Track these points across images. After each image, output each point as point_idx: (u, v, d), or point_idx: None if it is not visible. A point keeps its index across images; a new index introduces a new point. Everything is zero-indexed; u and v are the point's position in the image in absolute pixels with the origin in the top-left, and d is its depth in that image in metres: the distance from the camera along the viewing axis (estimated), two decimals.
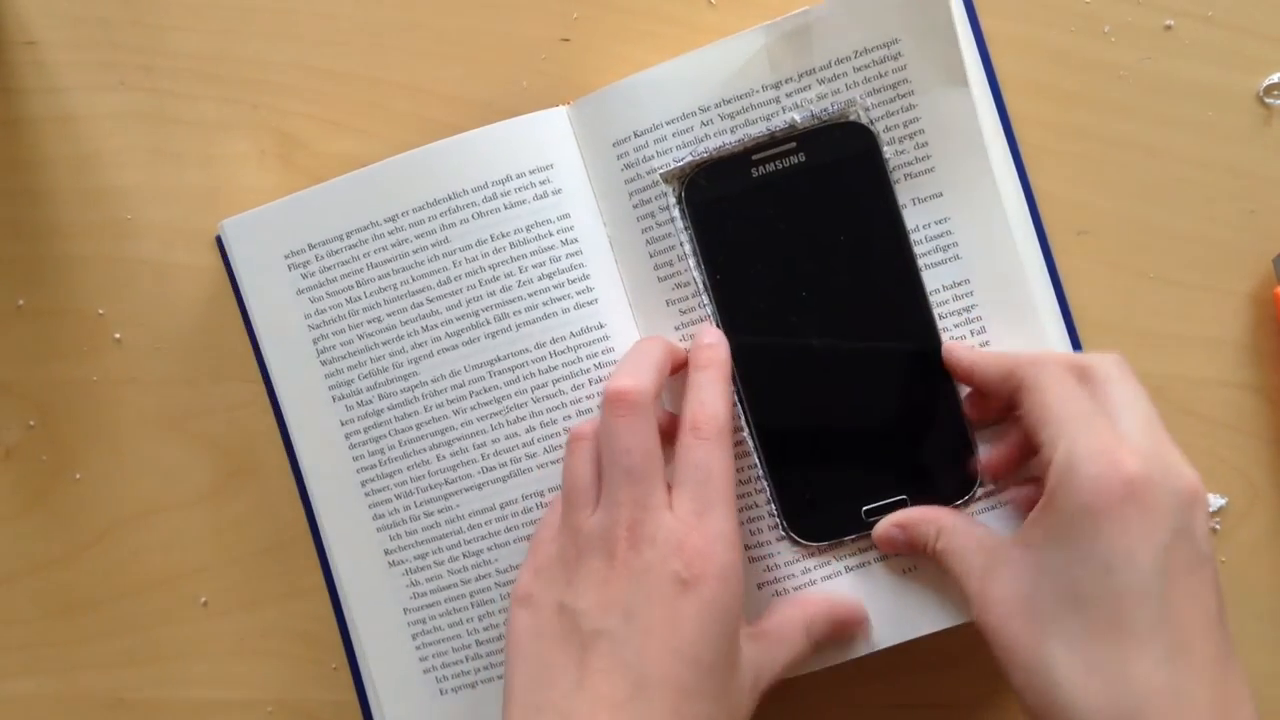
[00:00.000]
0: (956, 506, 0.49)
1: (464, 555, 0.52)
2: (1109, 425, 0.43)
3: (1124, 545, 0.41)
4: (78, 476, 0.57)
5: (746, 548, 0.51)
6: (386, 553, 0.52)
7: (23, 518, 0.57)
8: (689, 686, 0.43)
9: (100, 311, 0.57)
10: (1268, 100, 0.53)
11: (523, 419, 0.51)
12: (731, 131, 0.50)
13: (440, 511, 0.52)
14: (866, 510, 0.50)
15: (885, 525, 0.49)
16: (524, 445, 0.51)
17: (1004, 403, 0.47)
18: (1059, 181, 0.53)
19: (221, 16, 0.56)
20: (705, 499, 0.45)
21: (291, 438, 0.53)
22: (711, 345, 0.49)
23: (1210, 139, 0.54)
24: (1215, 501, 0.53)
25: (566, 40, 0.55)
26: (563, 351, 0.51)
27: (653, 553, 0.44)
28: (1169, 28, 0.53)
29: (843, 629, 0.49)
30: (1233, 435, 0.53)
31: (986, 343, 0.49)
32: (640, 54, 0.54)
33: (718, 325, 0.50)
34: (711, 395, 0.47)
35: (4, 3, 0.56)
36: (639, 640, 0.43)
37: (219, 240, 0.54)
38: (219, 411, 0.57)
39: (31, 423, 0.57)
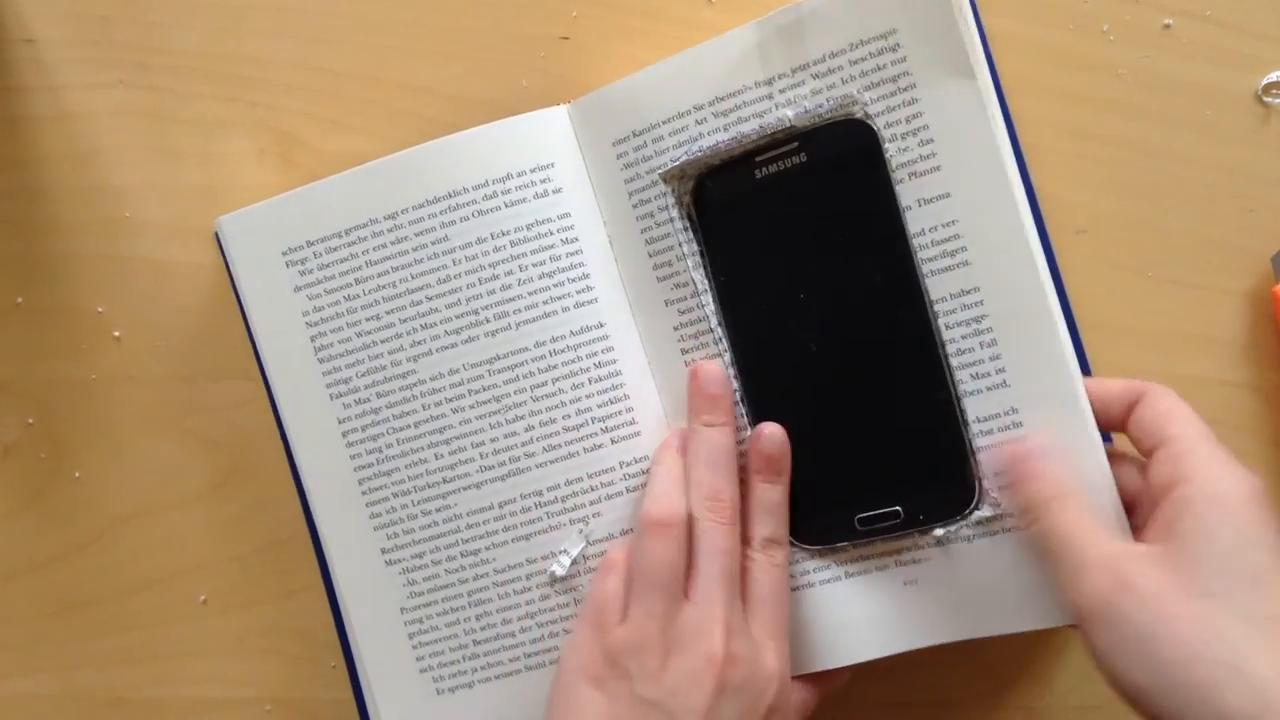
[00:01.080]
0: (957, 520, 0.47)
1: (461, 554, 0.51)
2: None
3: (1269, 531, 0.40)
4: (76, 475, 0.57)
5: None
6: (384, 551, 0.52)
7: (21, 516, 0.57)
8: None
9: (99, 309, 0.56)
10: (1266, 99, 0.53)
11: (522, 418, 0.50)
12: (724, 130, 0.49)
13: (438, 510, 0.51)
14: (860, 519, 0.49)
15: (1020, 447, 0.46)
16: (523, 444, 0.50)
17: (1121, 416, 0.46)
18: (1058, 181, 0.53)
19: (220, 15, 0.55)
20: (781, 625, 0.47)
21: (288, 436, 0.52)
22: (777, 452, 0.49)
23: (1209, 138, 0.53)
24: None
25: (566, 39, 0.55)
26: (562, 350, 0.50)
27: (749, 672, 0.45)
28: (1168, 27, 0.53)
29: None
30: (1232, 434, 0.53)
31: (997, 355, 0.47)
32: (639, 52, 0.54)
33: (720, 324, 0.49)
34: (780, 515, 0.48)
35: (3, 1, 0.56)
36: None
37: (218, 237, 0.53)
38: (218, 410, 0.56)
39: (30, 421, 0.57)
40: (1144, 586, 0.40)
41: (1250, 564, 0.40)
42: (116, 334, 0.56)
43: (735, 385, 0.50)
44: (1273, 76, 0.53)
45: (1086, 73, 0.53)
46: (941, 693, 0.54)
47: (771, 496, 0.48)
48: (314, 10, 0.55)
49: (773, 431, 0.49)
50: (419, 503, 0.51)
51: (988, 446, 0.47)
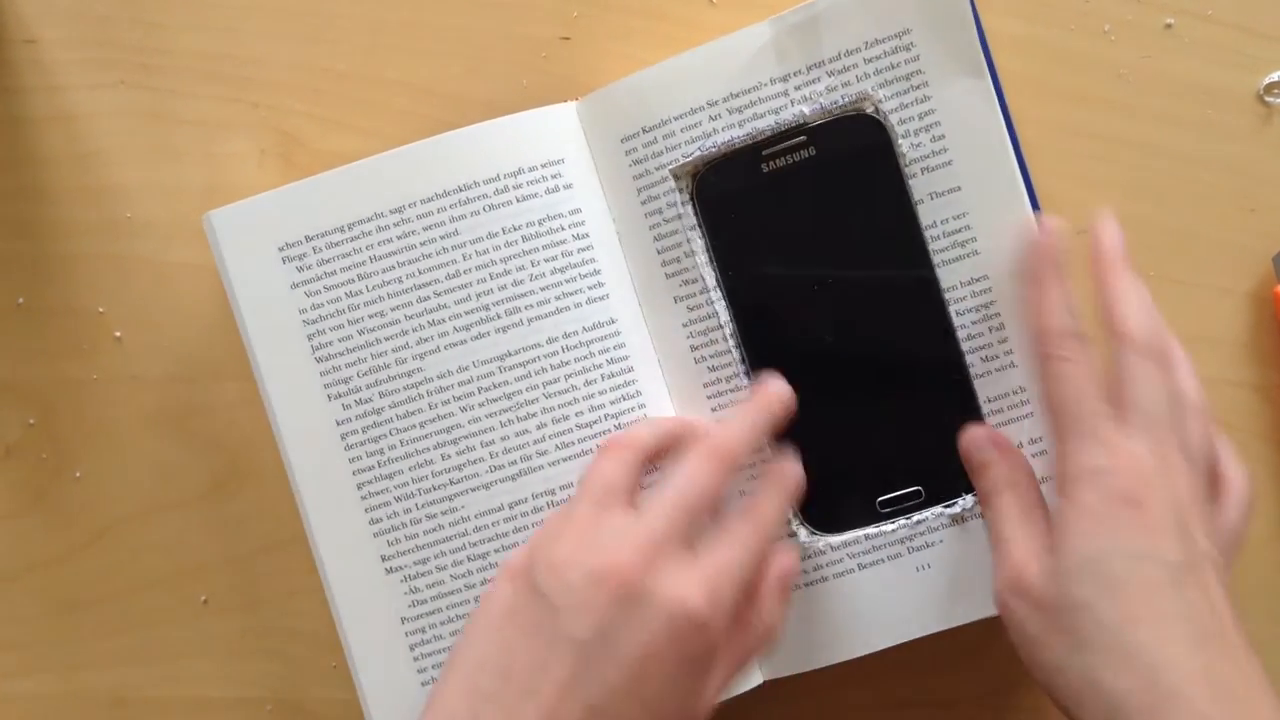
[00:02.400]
0: (972, 496, 0.48)
1: (469, 559, 0.50)
2: (1115, 433, 0.43)
3: (1148, 541, 0.42)
4: (78, 475, 0.56)
5: None
6: (384, 559, 0.50)
7: (22, 516, 0.56)
8: None
9: (100, 310, 0.56)
10: (1268, 99, 0.53)
11: (534, 415, 0.49)
12: (739, 125, 0.49)
13: (444, 514, 0.50)
14: (880, 502, 0.49)
15: (984, 430, 0.48)
16: (535, 442, 0.49)
17: None
18: (1059, 181, 0.53)
19: (222, 15, 0.54)
20: (730, 569, 0.44)
21: (282, 440, 0.51)
22: (787, 469, 0.48)
23: (1210, 138, 0.53)
24: None
25: (566, 39, 0.55)
26: (575, 346, 0.49)
27: (659, 594, 0.42)
28: (1169, 26, 0.53)
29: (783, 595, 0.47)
30: (1232, 434, 0.53)
31: (1005, 339, 0.48)
32: (640, 52, 0.54)
33: (730, 320, 0.49)
34: (775, 506, 0.47)
35: (3, 1, 0.55)
36: (610, 670, 0.42)
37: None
38: (219, 410, 0.56)
39: (31, 421, 0.56)
40: (1033, 592, 0.43)
41: (1105, 572, 0.42)
42: (118, 334, 0.56)
43: (748, 381, 0.49)
44: (1274, 76, 0.52)
45: (1087, 72, 0.53)
46: (941, 693, 0.54)
47: (773, 495, 0.48)
48: (315, 11, 0.55)
49: (791, 468, 0.48)
50: (423, 506, 0.50)
51: (1000, 425, 0.49)
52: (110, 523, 0.56)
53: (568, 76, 0.54)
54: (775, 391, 0.48)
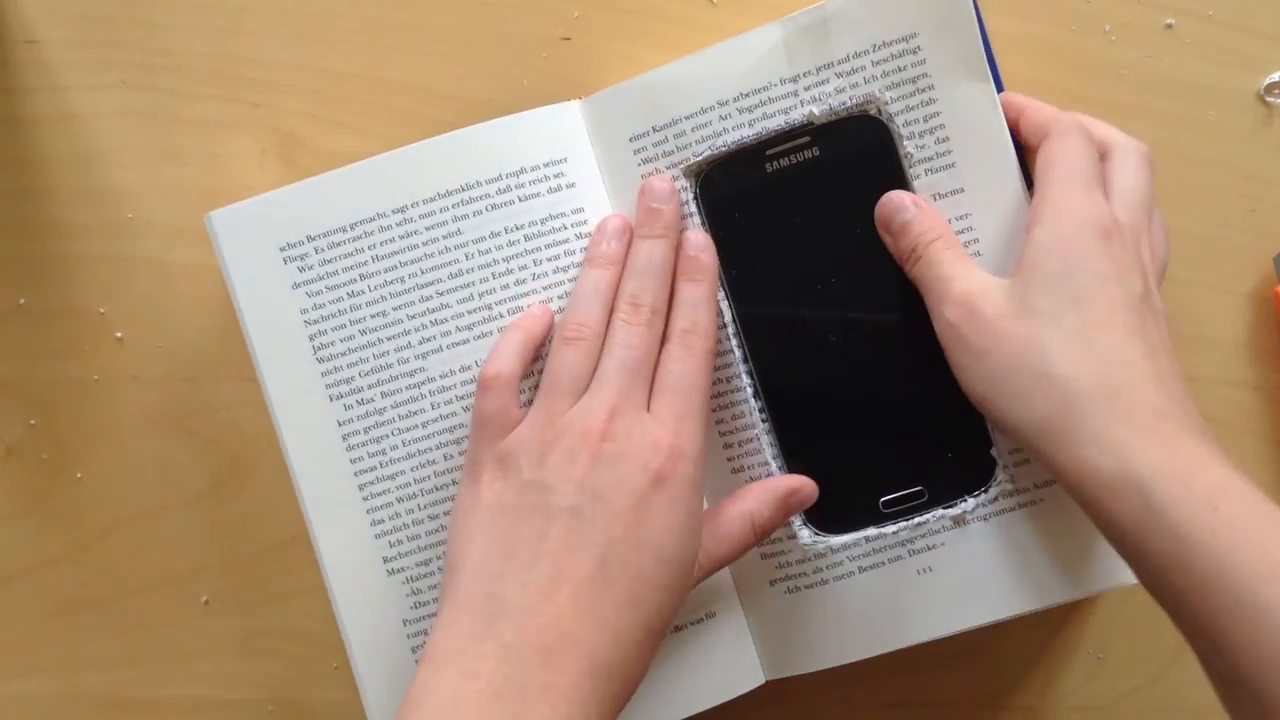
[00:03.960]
0: (976, 496, 0.48)
1: None
2: (1099, 192, 0.45)
3: (1115, 268, 0.43)
4: (79, 475, 0.56)
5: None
6: (385, 560, 0.50)
7: (24, 517, 0.56)
8: (649, 574, 0.43)
9: (101, 310, 0.55)
10: (1268, 99, 0.53)
11: None
12: (750, 125, 0.48)
13: (446, 515, 0.49)
14: (884, 502, 0.49)
15: (900, 193, 0.48)
16: None
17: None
18: None
19: (222, 15, 0.54)
20: (685, 407, 0.46)
21: (283, 440, 0.50)
22: (699, 254, 0.48)
23: (1211, 138, 0.53)
24: None
25: (567, 39, 0.55)
26: None
27: (629, 444, 0.44)
28: (1169, 27, 0.53)
29: (788, 508, 0.48)
30: (1233, 434, 0.53)
31: None
32: (640, 52, 0.54)
33: (733, 321, 0.49)
34: (703, 310, 0.48)
35: (5, 1, 0.55)
36: (606, 522, 0.43)
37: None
38: (220, 410, 0.56)
39: (32, 421, 0.56)
40: (986, 312, 0.44)
41: (1072, 286, 0.43)
42: (118, 335, 0.56)
43: (750, 381, 0.49)
44: (1274, 76, 0.52)
45: (1088, 73, 0.53)
46: (941, 693, 0.54)
47: (693, 293, 0.48)
48: (315, 11, 0.55)
49: (695, 237, 0.49)
50: (425, 507, 0.49)
51: None
52: (111, 523, 0.56)
53: (568, 76, 0.54)
54: (654, 207, 0.49)
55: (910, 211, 0.47)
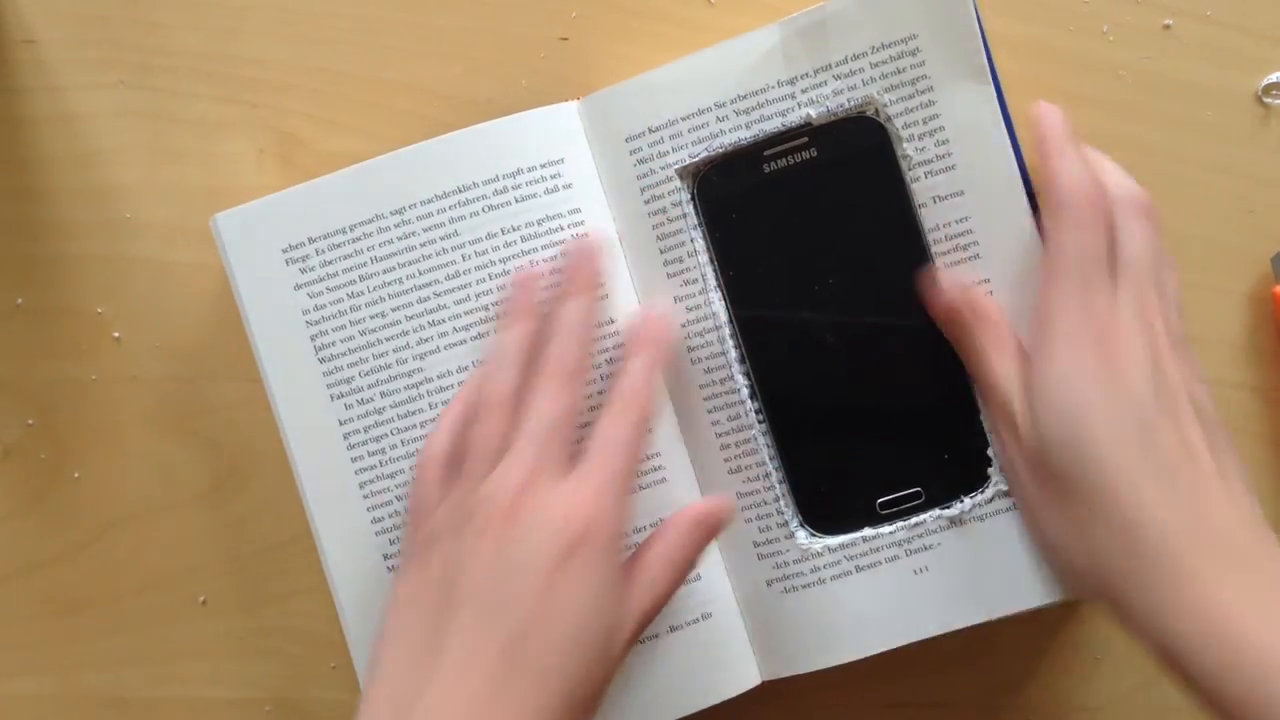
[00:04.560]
0: (973, 497, 0.48)
1: None
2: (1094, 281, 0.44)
3: (1121, 383, 0.43)
4: (76, 475, 0.56)
5: (754, 544, 0.49)
6: (386, 557, 0.50)
7: (21, 517, 0.56)
8: (564, 647, 0.42)
9: (99, 310, 0.55)
10: (1266, 100, 0.53)
11: None
12: (747, 127, 0.49)
13: None
14: (881, 503, 0.49)
15: (958, 288, 0.47)
16: None
17: None
18: None
19: (221, 15, 0.54)
20: (606, 475, 0.44)
21: (287, 439, 0.51)
22: (650, 326, 0.48)
23: (1209, 138, 0.53)
24: None
25: (565, 39, 0.55)
26: None
27: (538, 517, 0.43)
28: (1168, 27, 0.53)
29: (701, 537, 0.47)
30: (1232, 435, 0.53)
31: None
32: (639, 53, 0.53)
33: (730, 322, 0.49)
34: (643, 380, 0.47)
35: (4, 1, 0.54)
36: (514, 601, 0.42)
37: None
38: (218, 410, 0.56)
39: (30, 421, 0.56)
40: (1018, 434, 0.45)
41: (1083, 420, 0.43)
42: (117, 335, 0.56)
43: (746, 382, 0.49)
44: (1273, 77, 0.52)
45: (1086, 73, 0.53)
46: (941, 693, 0.54)
47: (639, 363, 0.47)
48: (314, 11, 0.55)
49: (652, 308, 0.49)
50: None
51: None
52: (109, 523, 0.56)
53: (566, 77, 0.54)
54: (576, 264, 0.48)
55: (954, 294, 0.47)
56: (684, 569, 0.47)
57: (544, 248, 0.49)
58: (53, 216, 0.55)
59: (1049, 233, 0.46)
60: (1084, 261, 0.45)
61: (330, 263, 0.50)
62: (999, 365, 0.46)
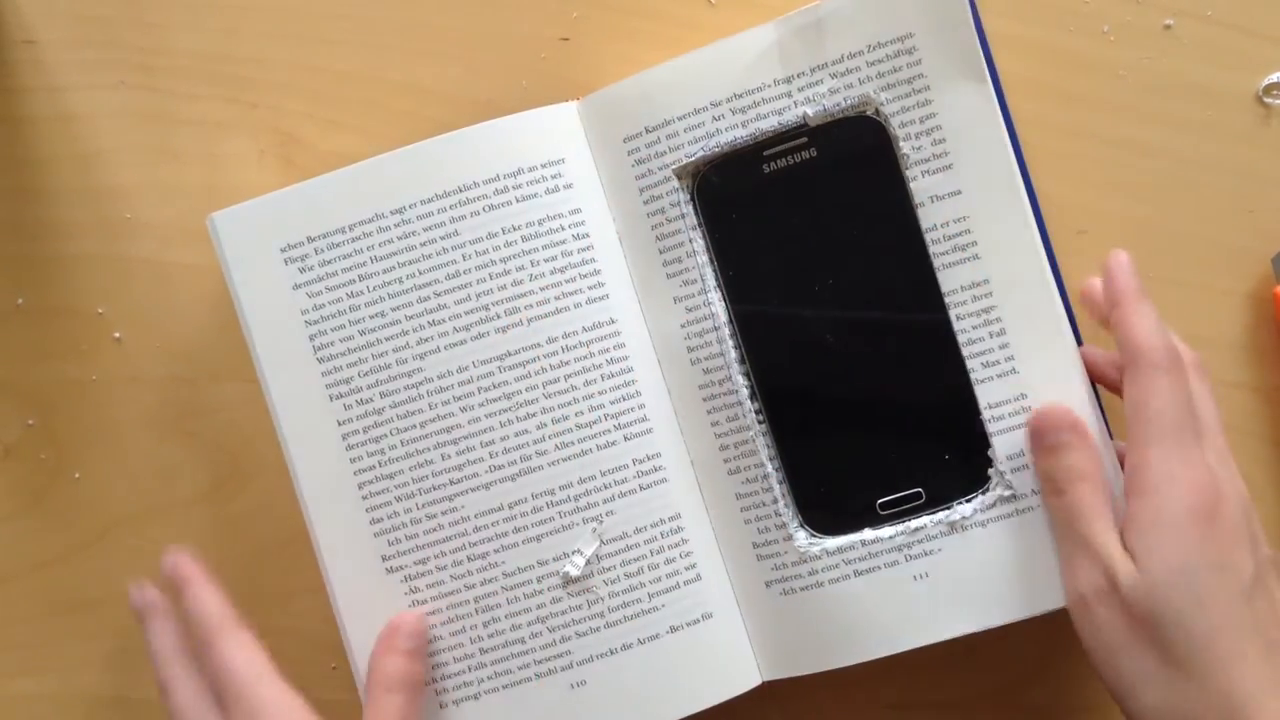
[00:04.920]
0: (971, 500, 0.48)
1: (469, 559, 0.49)
2: (1197, 449, 0.44)
3: (1226, 555, 0.43)
4: (77, 476, 0.56)
5: (754, 545, 0.49)
6: (384, 559, 0.50)
7: (22, 517, 0.56)
8: None
9: (99, 311, 0.55)
10: (1267, 100, 0.53)
11: (533, 415, 0.49)
12: (743, 126, 0.48)
13: (444, 514, 0.49)
14: (881, 504, 0.49)
15: (1062, 411, 0.46)
16: (534, 442, 0.49)
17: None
18: (1058, 181, 0.53)
19: (221, 15, 0.54)
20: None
21: (284, 439, 0.50)
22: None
23: (1210, 139, 0.53)
24: None
25: (566, 39, 0.55)
26: (575, 346, 0.49)
27: None
28: (1168, 27, 0.53)
29: (399, 649, 0.48)
30: (1232, 435, 0.52)
31: (1006, 344, 0.48)
32: (640, 53, 0.54)
33: (729, 322, 0.49)
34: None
35: (4, 1, 0.54)
36: None
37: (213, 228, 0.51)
38: (219, 411, 0.56)
39: (30, 422, 0.56)
40: (1122, 604, 0.44)
41: (1194, 586, 0.43)
42: (117, 335, 0.56)
43: (746, 382, 0.49)
44: (1273, 77, 0.52)
45: (1087, 73, 0.53)
46: (941, 693, 0.54)
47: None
48: (314, 11, 0.55)
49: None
50: (423, 506, 0.50)
51: (999, 431, 0.48)
52: (110, 523, 0.56)
53: (567, 77, 0.54)
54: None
55: (1067, 436, 0.46)
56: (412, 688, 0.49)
57: (544, 247, 0.49)
58: (53, 217, 0.55)
59: (1136, 390, 0.45)
60: (1181, 421, 0.44)
61: (329, 262, 0.50)
62: (1098, 510, 0.46)
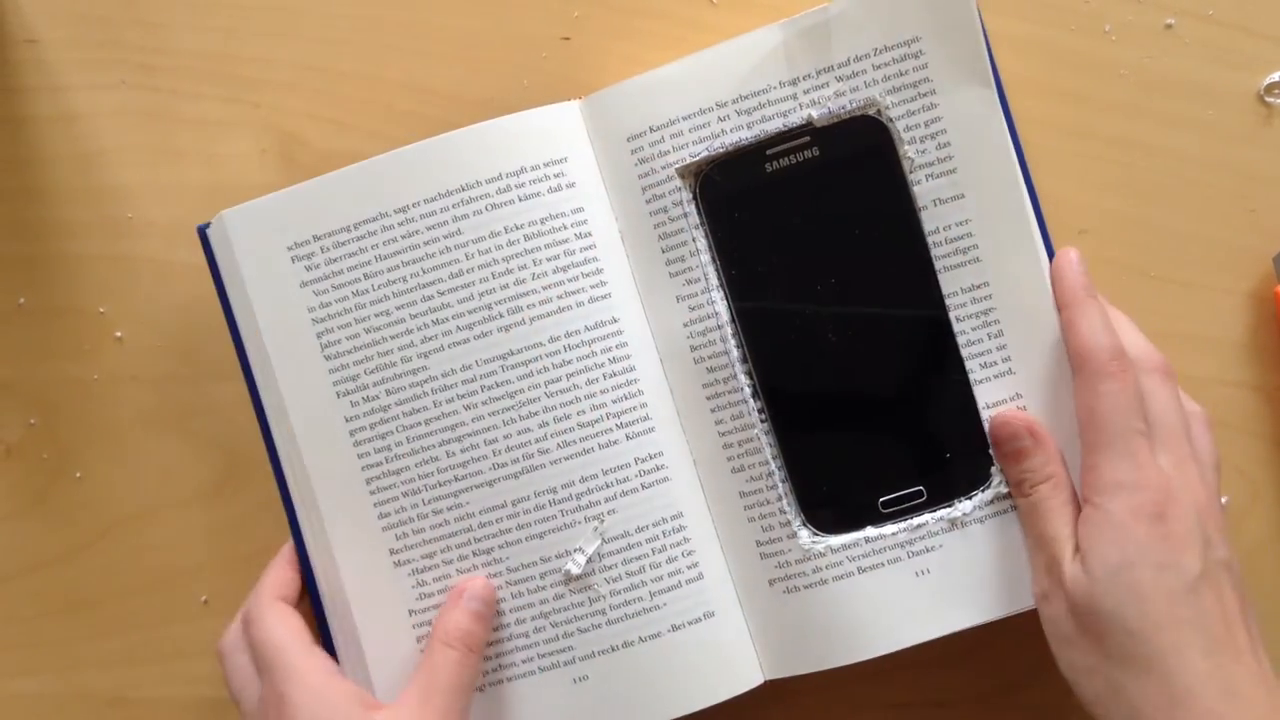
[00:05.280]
0: (971, 498, 0.48)
1: (474, 554, 0.50)
2: (1145, 449, 0.45)
3: (1171, 555, 0.44)
4: (78, 475, 0.56)
5: (757, 544, 0.49)
6: (392, 552, 0.50)
7: (23, 516, 0.56)
8: None
9: (101, 310, 0.55)
10: (1268, 99, 0.53)
11: (535, 414, 0.49)
12: (748, 127, 0.48)
13: (449, 509, 0.50)
14: (883, 502, 0.49)
15: (1020, 418, 0.47)
16: (537, 441, 0.49)
17: None
18: (1060, 181, 0.53)
19: (223, 15, 0.54)
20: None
21: (295, 434, 0.50)
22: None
23: (1211, 138, 0.53)
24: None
25: (567, 39, 0.55)
26: (577, 345, 0.49)
27: None
28: (1169, 27, 0.53)
29: (485, 621, 0.49)
30: (1233, 434, 0.53)
31: (1004, 345, 0.48)
32: (641, 52, 0.54)
33: (732, 321, 0.49)
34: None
35: (5, 1, 0.55)
36: None
37: (201, 233, 0.51)
38: (220, 410, 0.56)
39: (32, 421, 0.56)
40: (1067, 598, 0.45)
41: (1131, 582, 0.44)
42: (119, 334, 0.56)
43: (749, 381, 0.49)
44: (1274, 76, 0.52)
45: (1088, 73, 0.53)
46: (943, 692, 0.54)
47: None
48: (316, 11, 0.55)
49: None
50: (429, 501, 0.50)
51: None
52: (111, 523, 0.56)
53: (568, 76, 0.54)
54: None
55: (1025, 441, 0.47)
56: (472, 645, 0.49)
57: (547, 246, 0.49)
58: (55, 216, 0.55)
59: (1082, 395, 0.46)
60: (1126, 420, 0.45)
61: (335, 260, 0.50)
62: (1054, 510, 0.46)
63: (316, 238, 0.50)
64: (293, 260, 0.50)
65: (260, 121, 0.55)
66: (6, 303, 0.56)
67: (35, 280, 0.56)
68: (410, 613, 0.50)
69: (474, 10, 0.54)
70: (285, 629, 0.48)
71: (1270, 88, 0.52)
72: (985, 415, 0.49)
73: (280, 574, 0.51)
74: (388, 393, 0.50)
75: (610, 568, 0.49)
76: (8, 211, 0.55)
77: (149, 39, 0.55)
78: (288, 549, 0.52)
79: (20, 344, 0.56)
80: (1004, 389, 0.48)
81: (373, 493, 0.50)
